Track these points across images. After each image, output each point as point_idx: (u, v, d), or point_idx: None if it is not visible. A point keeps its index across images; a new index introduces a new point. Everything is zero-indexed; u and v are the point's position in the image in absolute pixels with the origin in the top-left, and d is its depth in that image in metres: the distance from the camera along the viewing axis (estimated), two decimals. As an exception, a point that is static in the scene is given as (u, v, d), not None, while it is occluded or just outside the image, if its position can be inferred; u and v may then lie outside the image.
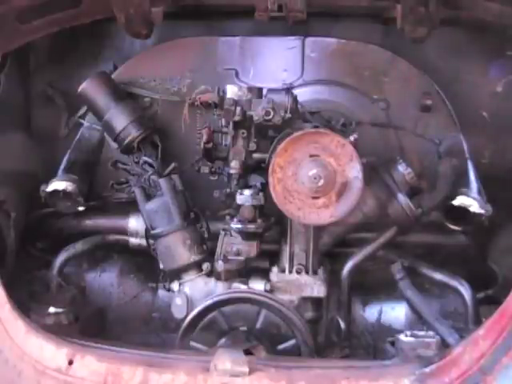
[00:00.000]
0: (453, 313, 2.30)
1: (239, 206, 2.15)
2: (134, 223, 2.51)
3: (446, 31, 2.46)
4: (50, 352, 1.79)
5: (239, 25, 2.63)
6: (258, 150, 2.22)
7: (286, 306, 2.07)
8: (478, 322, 2.15)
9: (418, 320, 2.24)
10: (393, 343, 1.93)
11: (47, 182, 2.41)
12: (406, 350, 1.83)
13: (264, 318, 2.07)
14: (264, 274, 2.23)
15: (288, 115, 2.15)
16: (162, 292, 2.41)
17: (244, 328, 2.07)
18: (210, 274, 2.23)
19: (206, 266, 2.24)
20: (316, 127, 2.11)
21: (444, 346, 1.87)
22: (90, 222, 2.57)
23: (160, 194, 2.30)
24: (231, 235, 2.23)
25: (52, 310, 2.12)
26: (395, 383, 1.67)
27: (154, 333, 2.38)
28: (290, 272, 2.21)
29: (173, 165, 2.41)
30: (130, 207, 2.48)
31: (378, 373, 1.73)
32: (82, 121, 2.64)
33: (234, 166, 2.17)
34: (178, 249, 2.24)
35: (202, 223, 2.33)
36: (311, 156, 1.98)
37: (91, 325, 2.28)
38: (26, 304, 2.07)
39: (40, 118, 2.73)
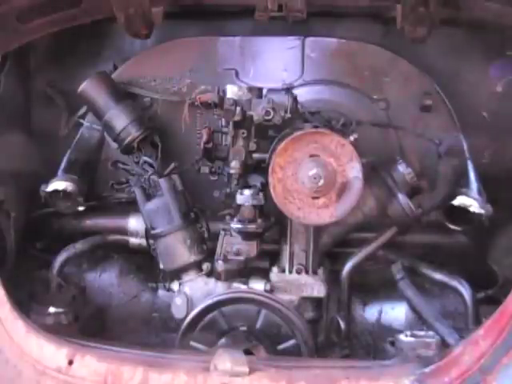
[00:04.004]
0: (453, 313, 2.30)
1: (239, 206, 2.15)
2: (134, 223, 2.51)
3: (445, 31, 2.46)
4: (50, 352, 1.79)
5: (239, 25, 2.63)
6: (258, 150, 2.22)
7: (285, 306, 2.07)
8: (478, 322, 2.15)
9: (418, 320, 2.24)
10: (393, 343, 1.93)
11: (47, 181, 2.41)
12: (406, 350, 1.83)
13: (264, 317, 2.07)
14: (264, 274, 2.23)
15: (288, 115, 2.14)
16: (162, 292, 2.41)
17: (244, 328, 2.07)
18: (210, 274, 2.23)
19: (205, 266, 2.24)
20: (316, 127, 2.11)
21: (444, 346, 1.87)
22: (89, 222, 2.57)
23: (160, 194, 2.30)
24: (231, 235, 2.23)
25: (52, 309, 2.12)
26: (395, 383, 1.67)
27: (153, 333, 2.38)
28: (290, 272, 2.21)
29: (173, 165, 2.41)
30: (130, 207, 2.48)
31: (378, 373, 1.73)
32: (82, 121, 2.63)
33: (234, 166, 2.17)
34: (177, 249, 2.24)
35: (202, 223, 2.33)
36: (311, 156, 1.98)
37: (91, 325, 2.28)
38: (26, 304, 2.07)
39: (40, 117, 2.73)
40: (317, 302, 2.24)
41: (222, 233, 2.26)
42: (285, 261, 2.22)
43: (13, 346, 1.81)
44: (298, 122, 2.21)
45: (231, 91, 2.21)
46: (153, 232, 2.28)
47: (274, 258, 2.28)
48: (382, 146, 2.50)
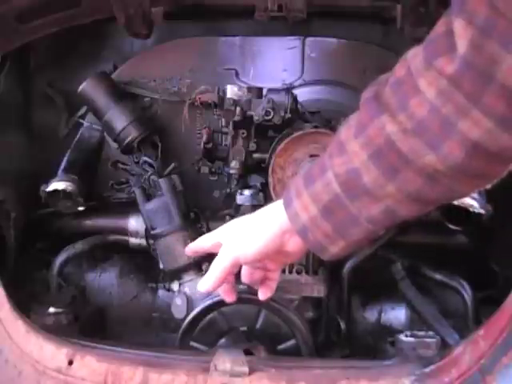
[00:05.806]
0: (453, 313, 2.30)
1: (239, 206, 2.15)
2: (134, 223, 2.50)
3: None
4: (50, 352, 1.79)
5: (239, 25, 2.62)
6: (258, 150, 2.21)
7: (285, 306, 2.07)
8: (478, 322, 2.15)
9: (418, 320, 2.24)
10: (393, 343, 1.93)
11: (47, 181, 2.40)
12: (405, 350, 1.83)
13: (264, 317, 2.07)
14: (264, 274, 2.22)
15: (288, 115, 2.14)
16: (162, 292, 2.40)
17: (244, 328, 2.07)
18: (210, 274, 2.23)
19: (205, 266, 2.24)
20: (316, 127, 2.11)
21: (444, 346, 1.87)
22: (89, 222, 2.56)
23: (160, 194, 2.29)
24: (231, 235, 2.23)
25: (52, 310, 2.12)
26: (395, 383, 1.67)
27: (154, 333, 2.38)
28: (290, 272, 2.21)
29: (173, 165, 2.41)
30: (130, 207, 2.48)
31: (378, 373, 1.73)
32: (81, 121, 2.63)
33: (234, 166, 2.17)
34: (178, 249, 2.24)
35: (202, 223, 2.33)
36: (311, 156, 1.98)
37: (91, 325, 2.28)
38: (26, 304, 2.07)
39: (40, 117, 2.72)
40: (317, 302, 2.24)
41: (222, 233, 2.25)
42: (285, 261, 2.22)
43: (13, 346, 1.81)
44: (298, 122, 2.21)
45: (231, 91, 2.21)
46: (153, 232, 2.28)
47: (274, 257, 2.28)
48: (381, 145, 2.50)
